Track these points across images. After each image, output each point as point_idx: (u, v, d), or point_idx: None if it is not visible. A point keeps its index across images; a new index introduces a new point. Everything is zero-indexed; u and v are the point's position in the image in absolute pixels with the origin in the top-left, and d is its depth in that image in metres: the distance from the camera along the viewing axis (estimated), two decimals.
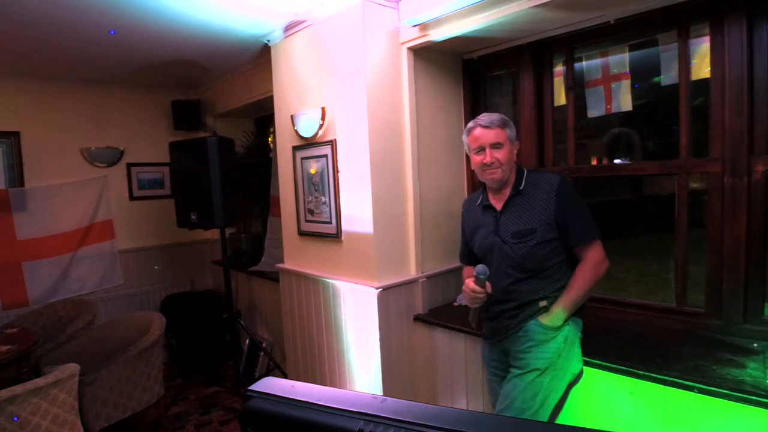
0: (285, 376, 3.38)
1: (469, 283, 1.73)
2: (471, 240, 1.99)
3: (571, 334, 1.77)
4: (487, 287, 1.72)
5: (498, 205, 1.86)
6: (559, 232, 1.76)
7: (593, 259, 1.74)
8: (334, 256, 2.67)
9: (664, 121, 2.24)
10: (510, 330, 1.81)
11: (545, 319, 1.75)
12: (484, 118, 1.81)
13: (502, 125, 1.78)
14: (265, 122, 4.50)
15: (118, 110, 4.11)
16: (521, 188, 1.81)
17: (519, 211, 1.81)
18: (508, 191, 1.84)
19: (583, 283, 1.74)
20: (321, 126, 2.61)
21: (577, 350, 1.81)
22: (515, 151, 1.83)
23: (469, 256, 2.03)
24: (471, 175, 2.79)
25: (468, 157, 2.00)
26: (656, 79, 2.12)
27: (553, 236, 1.76)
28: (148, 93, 4.26)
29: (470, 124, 1.84)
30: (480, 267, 1.69)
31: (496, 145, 1.77)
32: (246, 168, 4.15)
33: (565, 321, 1.75)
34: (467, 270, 2.05)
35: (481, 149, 1.79)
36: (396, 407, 0.58)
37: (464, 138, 1.87)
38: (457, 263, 2.32)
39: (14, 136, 3.63)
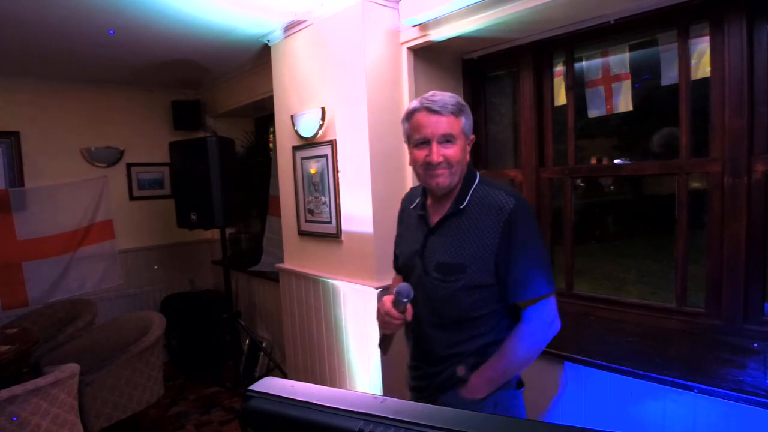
0: (285, 376, 3.38)
1: (386, 302, 1.32)
2: (398, 244, 1.56)
3: (503, 397, 1.37)
4: (407, 314, 1.30)
5: (433, 219, 1.40)
6: (496, 277, 1.29)
7: (538, 322, 1.29)
8: (334, 256, 2.66)
9: (663, 121, 2.23)
10: (428, 396, 1.44)
11: (464, 392, 1.34)
12: (435, 98, 1.29)
13: (458, 112, 1.30)
14: (265, 122, 4.50)
15: (118, 110, 4.11)
16: (462, 207, 1.33)
17: (453, 236, 1.33)
18: (448, 204, 1.37)
19: (518, 355, 1.30)
20: (321, 126, 2.60)
21: (516, 410, 1.41)
22: (469, 148, 1.36)
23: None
24: None
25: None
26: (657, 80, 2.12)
27: (488, 281, 1.30)
28: (148, 93, 4.26)
29: (414, 104, 1.33)
30: (404, 286, 1.27)
31: (446, 139, 1.29)
32: (246, 168, 4.15)
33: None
34: (395, 281, 1.63)
35: (424, 142, 1.30)
36: (396, 407, 0.58)
37: (403, 123, 1.37)
38: None
39: (14, 136, 3.62)
